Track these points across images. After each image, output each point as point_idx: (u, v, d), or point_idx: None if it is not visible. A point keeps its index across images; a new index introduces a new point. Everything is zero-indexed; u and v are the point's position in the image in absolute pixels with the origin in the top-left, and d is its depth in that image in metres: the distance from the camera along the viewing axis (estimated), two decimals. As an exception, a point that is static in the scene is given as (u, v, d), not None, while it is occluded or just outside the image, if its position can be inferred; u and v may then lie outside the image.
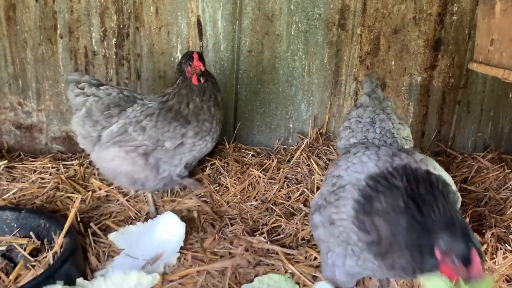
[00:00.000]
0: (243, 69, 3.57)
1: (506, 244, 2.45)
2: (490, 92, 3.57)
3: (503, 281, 2.18)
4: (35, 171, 3.18)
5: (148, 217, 2.74)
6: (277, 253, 2.36)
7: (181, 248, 2.36)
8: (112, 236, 2.38)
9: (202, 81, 2.67)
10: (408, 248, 1.50)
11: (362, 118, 2.23)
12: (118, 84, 3.61)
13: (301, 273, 2.18)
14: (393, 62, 3.52)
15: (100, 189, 2.99)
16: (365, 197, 1.63)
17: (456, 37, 3.42)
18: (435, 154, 3.68)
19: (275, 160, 3.33)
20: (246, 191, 3.08)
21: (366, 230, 1.59)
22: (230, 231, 2.63)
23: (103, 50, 3.55)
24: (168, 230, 2.44)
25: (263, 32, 3.50)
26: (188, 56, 2.68)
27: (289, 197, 3.01)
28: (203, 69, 2.65)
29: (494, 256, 2.35)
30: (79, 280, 1.95)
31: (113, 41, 3.54)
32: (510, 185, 3.12)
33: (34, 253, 2.29)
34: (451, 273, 1.42)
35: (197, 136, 2.67)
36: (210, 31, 3.50)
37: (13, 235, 2.40)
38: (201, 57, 2.66)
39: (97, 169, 3.13)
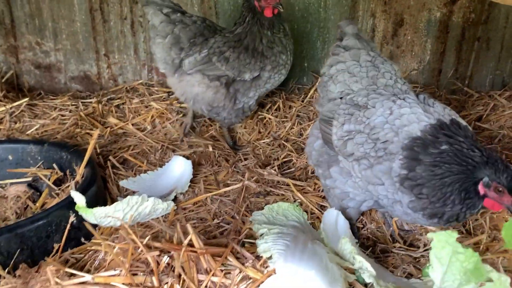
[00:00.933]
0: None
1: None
2: (512, 28, 3.46)
3: (507, 212, 2.22)
4: (55, 108, 3.29)
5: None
6: (287, 185, 2.45)
7: (193, 182, 2.47)
8: (123, 183, 2.43)
9: (281, 9, 2.72)
10: (459, 199, 1.66)
11: (359, 61, 2.10)
12: (133, 23, 3.60)
13: (309, 202, 2.27)
14: (412, -3, 3.41)
15: (116, 126, 3.09)
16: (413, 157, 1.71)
17: (479, -31, 3.28)
18: (451, 93, 3.64)
19: (283, 99, 3.36)
20: (260, 130, 3.14)
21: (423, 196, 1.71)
22: (243, 165, 2.72)
23: (117, -12, 3.52)
24: (177, 171, 2.52)
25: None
26: None
27: (301, 134, 3.06)
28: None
29: (502, 190, 2.39)
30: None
31: (127, -22, 3.50)
32: (526, 122, 3.10)
33: (58, 183, 2.42)
34: (495, 205, 1.64)
35: (274, 70, 2.80)
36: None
37: (38, 167, 2.53)
38: None
39: (173, 93, 3.23)
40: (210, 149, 2.84)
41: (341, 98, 2.08)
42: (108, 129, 3.04)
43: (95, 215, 1.91)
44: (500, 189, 1.60)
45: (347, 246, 1.74)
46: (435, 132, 1.73)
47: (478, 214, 2.10)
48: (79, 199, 1.88)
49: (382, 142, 1.79)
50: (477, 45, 3.54)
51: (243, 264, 1.61)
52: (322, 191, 2.39)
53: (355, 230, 2.11)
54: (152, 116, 3.18)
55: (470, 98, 3.52)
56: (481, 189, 1.65)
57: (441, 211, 1.71)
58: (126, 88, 3.62)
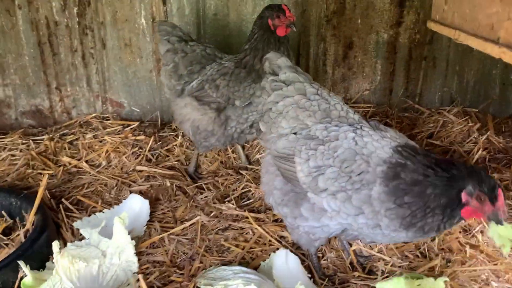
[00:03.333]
0: (210, 33, 3.52)
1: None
2: (455, 47, 3.60)
3: (460, 231, 2.30)
4: (4, 148, 3.17)
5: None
6: (246, 217, 2.44)
7: (150, 221, 2.43)
8: (77, 224, 2.35)
9: (294, 29, 2.74)
10: (441, 208, 1.71)
11: (307, 95, 2.10)
12: (84, 55, 3.54)
13: (268, 234, 2.27)
14: (359, 21, 3.51)
15: (70, 164, 3.00)
16: (393, 175, 1.76)
17: (421, -8, 3.41)
18: (403, 111, 3.75)
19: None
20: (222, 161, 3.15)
21: (405, 206, 1.74)
22: (202, 199, 2.69)
23: (65, 20, 3.46)
24: (134, 211, 2.45)
25: (228, -6, 3.43)
26: (276, 8, 2.74)
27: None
28: (294, 19, 2.74)
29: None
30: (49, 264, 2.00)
31: (75, 10, 3.45)
32: (474, 137, 3.23)
33: (7, 231, 2.32)
34: (475, 214, 1.70)
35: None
36: (174, -4, 3.42)
37: (-15, 215, 2.42)
38: (288, 8, 2.75)
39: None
40: (168, 183, 2.80)
41: (295, 133, 2.08)
42: (61, 168, 2.95)
43: None
44: (482, 198, 1.66)
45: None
46: (404, 150, 1.81)
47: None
48: (27, 274, 1.78)
49: (358, 174, 1.81)
50: (424, 64, 3.68)
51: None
52: (281, 221, 2.39)
53: (315, 260, 2.12)
54: (107, 151, 3.11)
55: (421, 116, 3.64)
56: (463, 197, 1.69)
57: (422, 221, 1.74)
58: (79, 122, 3.53)
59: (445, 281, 1.59)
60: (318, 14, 3.50)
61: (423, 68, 3.69)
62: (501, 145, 3.18)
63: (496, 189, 1.64)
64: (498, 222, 1.65)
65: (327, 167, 1.88)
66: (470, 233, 2.31)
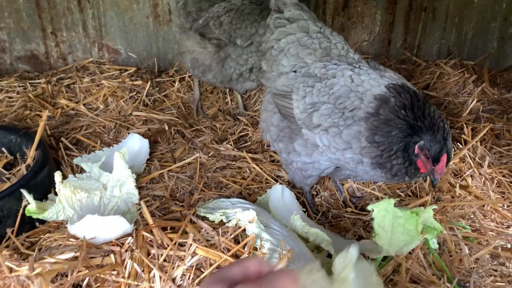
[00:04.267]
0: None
1: (458, 143, 2.62)
2: (456, -2, 3.58)
3: (450, 174, 2.37)
4: (1, 90, 3.16)
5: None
6: (244, 158, 2.49)
7: (149, 160, 2.47)
8: (77, 160, 2.38)
9: None
10: (401, 153, 1.80)
11: (309, 33, 2.10)
12: (79, -2, 3.47)
13: (264, 172, 2.33)
14: (361, -33, 3.46)
15: (68, 107, 3.01)
16: (375, 112, 1.81)
17: None
18: (400, 62, 3.76)
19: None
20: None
21: (375, 145, 1.81)
22: (200, 141, 2.73)
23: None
24: (133, 149, 2.48)
25: None
26: None
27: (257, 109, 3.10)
28: None
29: (446, 153, 2.53)
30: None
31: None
32: (468, 89, 3.25)
33: (8, 167, 2.35)
34: (422, 167, 1.80)
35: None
36: None
37: (-15, 152, 2.45)
38: None
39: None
40: (166, 126, 2.82)
41: (294, 71, 2.10)
42: (59, 110, 2.95)
43: (46, 218, 1.84)
44: (428, 156, 1.76)
45: (298, 222, 1.80)
46: (395, 91, 1.84)
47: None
48: (30, 202, 1.81)
49: (350, 110, 1.85)
50: (424, 15, 3.65)
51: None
52: (278, 161, 2.45)
53: (309, 197, 2.19)
54: (105, 95, 3.12)
55: (418, 67, 3.65)
56: (416, 149, 1.78)
57: (388, 162, 1.81)
58: (76, 67, 3.51)
59: (433, 209, 1.66)
60: (318, -39, 3.44)
61: (423, 19, 3.67)
62: (495, 96, 3.22)
63: (441, 154, 1.73)
64: (433, 181, 1.79)
65: (322, 104, 1.92)
66: (460, 176, 2.37)
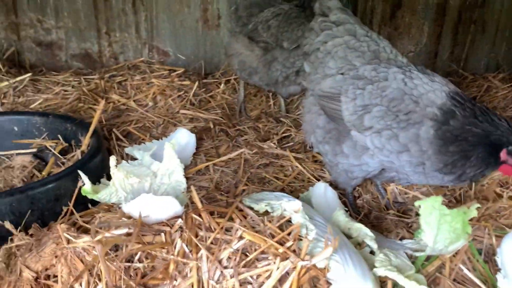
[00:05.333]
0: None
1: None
2: (508, 11, 3.52)
3: (497, 185, 2.32)
4: (58, 83, 3.34)
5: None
6: (287, 156, 2.53)
7: (195, 154, 2.54)
8: (128, 150, 2.48)
9: None
10: (480, 160, 1.79)
11: (356, 36, 2.12)
12: (134, 1, 3.64)
13: (307, 171, 2.36)
14: (410, -21, 3.47)
15: (119, 102, 3.14)
16: (444, 120, 1.81)
17: (476, -48, 3.33)
18: (447, 75, 3.70)
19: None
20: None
21: (448, 154, 1.81)
22: (243, 140, 2.79)
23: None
24: (181, 143, 2.56)
25: None
26: None
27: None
28: None
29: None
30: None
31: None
32: (518, 104, 3.18)
33: (63, 153, 2.48)
34: (507, 171, 1.79)
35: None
36: None
37: (43, 138, 2.59)
38: None
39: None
40: (211, 125, 2.91)
41: (342, 73, 2.13)
42: (111, 104, 3.10)
43: (100, 198, 1.93)
44: None
45: (342, 217, 1.81)
46: (457, 99, 1.83)
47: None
48: (86, 183, 1.90)
49: (405, 113, 1.85)
50: (473, 28, 3.62)
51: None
52: (320, 162, 2.47)
53: (351, 198, 2.20)
54: (154, 93, 3.24)
55: (464, 80, 3.61)
56: (503, 155, 1.76)
57: (460, 169, 1.81)
58: (127, 65, 3.67)
59: (477, 208, 1.64)
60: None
61: (471, 32, 3.63)
62: (546, 111, 3.14)
63: None
64: None
65: (374, 106, 1.93)
66: (508, 187, 2.32)
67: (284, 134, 2.85)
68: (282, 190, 2.23)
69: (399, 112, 1.87)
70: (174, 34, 3.75)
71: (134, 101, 3.17)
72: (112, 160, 1.96)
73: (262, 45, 2.89)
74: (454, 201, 2.20)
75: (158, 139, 2.67)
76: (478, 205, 1.67)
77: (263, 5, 3.02)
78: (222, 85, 3.47)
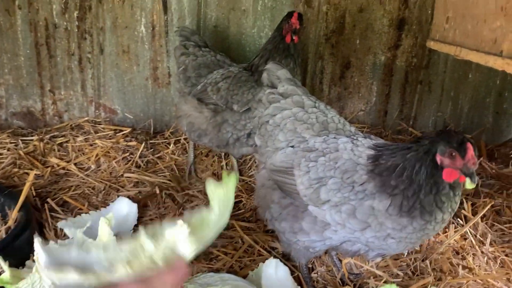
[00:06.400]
0: (209, 45, 3.53)
1: (458, 219, 2.54)
2: (451, 73, 3.65)
3: (452, 252, 2.27)
4: (-8, 146, 3.10)
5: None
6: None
7: (137, 226, 2.36)
8: (62, 224, 2.26)
9: (295, 39, 2.77)
10: (425, 180, 1.71)
11: (304, 107, 2.10)
12: (81, 59, 3.52)
13: (257, 244, 2.22)
14: (358, 41, 3.55)
15: (58, 166, 2.93)
16: (374, 168, 1.79)
17: (419, 17, 3.46)
18: (397, 133, 3.76)
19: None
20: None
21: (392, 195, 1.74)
22: (191, 207, 2.64)
23: (65, 23, 3.45)
24: (121, 214, 2.38)
25: (229, 7, 3.46)
26: (288, 14, 2.80)
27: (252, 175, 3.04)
28: (298, 27, 2.77)
29: (447, 229, 2.45)
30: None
31: (75, 14, 3.44)
32: (466, 163, 3.21)
33: (-12, 228, 2.23)
34: (452, 173, 1.68)
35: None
36: (175, 5, 3.44)
37: (-33, 210, 2.34)
38: (300, 17, 2.78)
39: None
40: (157, 190, 2.74)
41: (292, 146, 2.06)
42: (49, 169, 2.88)
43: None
44: (453, 153, 1.65)
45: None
46: (380, 145, 1.88)
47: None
48: (5, 270, 1.68)
49: (360, 184, 1.79)
50: (419, 88, 3.71)
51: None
52: (273, 232, 2.34)
53: (305, 272, 2.06)
54: (97, 155, 3.06)
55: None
56: (438, 159, 1.69)
57: (415, 200, 1.71)
58: (71, 125, 3.48)
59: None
60: (317, 33, 3.53)
61: (418, 92, 3.72)
62: (494, 171, 3.19)
63: (465, 143, 1.65)
64: (470, 175, 1.64)
65: (329, 178, 1.85)
66: (462, 256, 2.27)
67: (235, 200, 2.71)
68: (231, 267, 2.07)
69: (355, 183, 1.80)
70: (122, 92, 3.63)
71: (74, 164, 2.97)
72: (37, 242, 1.75)
73: (211, 107, 2.83)
74: (410, 274, 2.12)
75: (97, 208, 2.47)
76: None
77: (212, 67, 2.99)
78: (171, 145, 3.34)
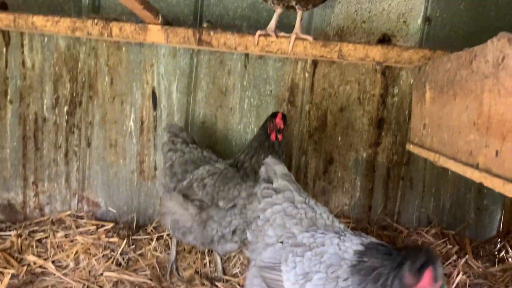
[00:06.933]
0: (197, 139, 3.61)
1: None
2: (431, 170, 3.75)
3: None
4: (-34, 242, 2.99)
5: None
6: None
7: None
8: None
9: (279, 137, 2.87)
10: None
11: (294, 203, 2.14)
12: (67, 152, 3.55)
13: None
14: (339, 138, 3.67)
15: (35, 264, 2.82)
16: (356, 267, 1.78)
17: (397, 117, 3.64)
18: (382, 228, 3.75)
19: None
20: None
21: None
22: (172, 310, 2.52)
23: (54, 117, 3.53)
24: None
25: (217, 105, 3.59)
26: (273, 114, 2.91)
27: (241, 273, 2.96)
28: (282, 126, 2.87)
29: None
30: None
31: (65, 109, 3.53)
32: (453, 260, 3.20)
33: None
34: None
35: (249, 198, 2.72)
36: (165, 102, 3.56)
37: None
38: (284, 117, 2.89)
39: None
40: (138, 290, 2.64)
41: (281, 242, 2.05)
42: (25, 267, 2.76)
43: None
44: (413, 276, 1.66)
45: None
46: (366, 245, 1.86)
47: None
48: None
49: (344, 279, 1.77)
50: (401, 184, 3.78)
51: None
52: None
53: None
54: (77, 252, 2.96)
55: (400, 235, 3.64)
56: (404, 278, 1.68)
57: None
58: (51, 220, 3.41)
59: None
60: (301, 129, 3.66)
61: (401, 187, 3.79)
62: (480, 270, 3.16)
63: (424, 269, 1.65)
64: None
65: (314, 273, 1.83)
66: None
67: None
68: None
69: (338, 278, 1.78)
70: (107, 185, 3.62)
71: (52, 262, 2.87)
72: None
73: (197, 204, 2.82)
74: None
75: (73, 313, 2.35)
76: None
77: (198, 163, 3.03)
78: (154, 241, 3.26)
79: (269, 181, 2.24)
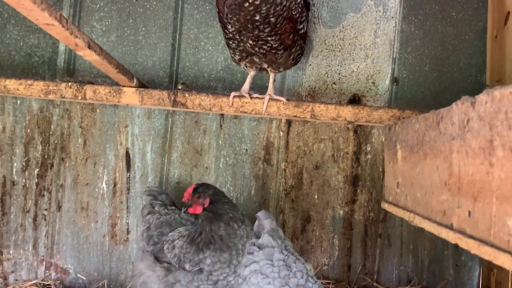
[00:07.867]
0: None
1: None
2: (408, 226, 3.75)
3: None
4: None
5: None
6: None
7: None
8: None
9: (188, 210, 2.81)
10: None
11: (272, 260, 2.14)
12: (36, 216, 3.42)
13: None
14: (316, 196, 3.67)
15: None
16: None
17: (371, 174, 3.68)
18: (362, 288, 3.68)
19: None
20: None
21: None
22: None
23: (24, 180, 3.43)
24: None
25: (192, 164, 3.58)
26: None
27: None
28: (183, 199, 2.83)
29: None
30: None
31: (36, 171, 3.45)
32: (436, 322, 3.13)
33: None
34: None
35: (215, 265, 2.58)
36: (139, 163, 3.52)
37: None
38: (194, 190, 2.82)
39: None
40: None
41: None
42: None
43: None
44: None
45: None
46: None
47: None
48: None
49: None
50: (379, 242, 3.76)
51: None
52: None
53: None
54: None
55: (381, 294, 3.57)
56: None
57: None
58: (15, 291, 3.22)
59: None
60: (277, 188, 3.65)
61: (379, 245, 3.76)
62: (464, 329, 3.09)
63: None
64: None
65: None
66: None
67: None
68: None
69: None
70: (77, 250, 3.47)
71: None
72: None
73: (165, 265, 2.75)
74: None
75: None
76: None
77: (174, 225, 2.98)
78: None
79: (258, 236, 2.27)
